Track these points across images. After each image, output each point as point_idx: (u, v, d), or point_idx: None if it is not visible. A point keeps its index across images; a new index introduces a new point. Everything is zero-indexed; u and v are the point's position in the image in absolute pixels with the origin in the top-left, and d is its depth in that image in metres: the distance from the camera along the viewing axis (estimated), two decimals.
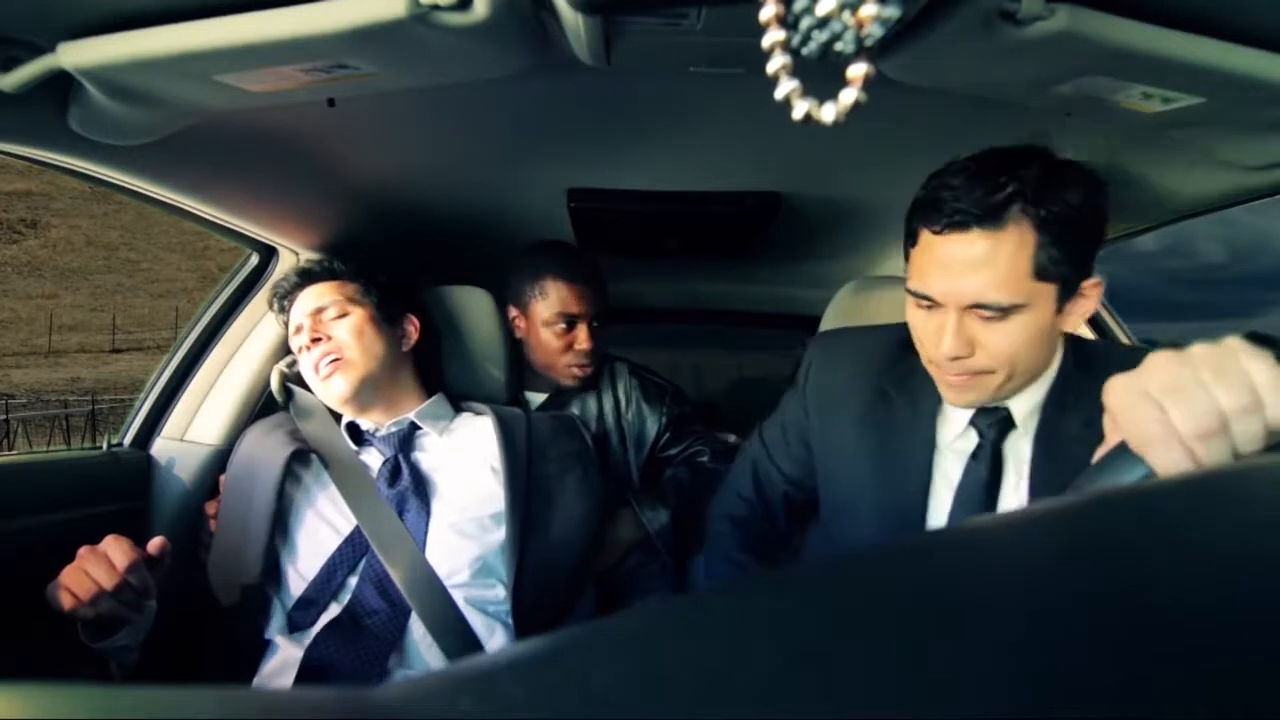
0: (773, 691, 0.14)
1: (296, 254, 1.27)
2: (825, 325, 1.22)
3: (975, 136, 0.98)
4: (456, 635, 0.90)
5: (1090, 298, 0.75)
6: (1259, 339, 0.41)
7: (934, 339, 0.76)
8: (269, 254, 1.28)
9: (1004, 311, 0.71)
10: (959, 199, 0.71)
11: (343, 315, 1.08)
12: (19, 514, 0.95)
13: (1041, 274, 0.70)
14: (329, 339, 1.06)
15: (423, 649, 0.90)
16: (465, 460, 1.05)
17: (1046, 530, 0.21)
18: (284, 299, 1.13)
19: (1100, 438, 0.69)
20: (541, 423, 1.13)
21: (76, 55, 0.60)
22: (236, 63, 0.62)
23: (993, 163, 0.71)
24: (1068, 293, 0.73)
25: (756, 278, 1.76)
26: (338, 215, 1.23)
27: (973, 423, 0.83)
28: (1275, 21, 0.59)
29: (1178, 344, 0.42)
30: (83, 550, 0.77)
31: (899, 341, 0.88)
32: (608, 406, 1.32)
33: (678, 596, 0.20)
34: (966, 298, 0.72)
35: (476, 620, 0.92)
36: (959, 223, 0.71)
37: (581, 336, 1.26)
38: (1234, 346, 0.40)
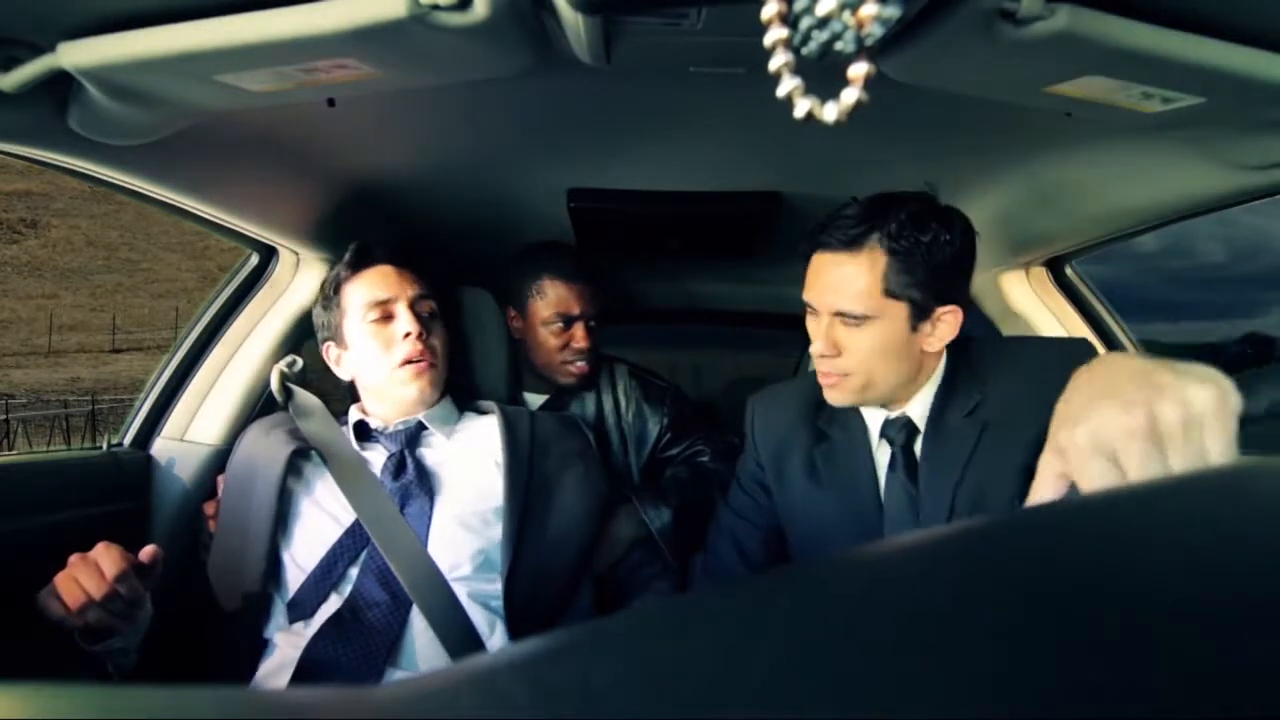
0: (773, 691, 0.14)
1: (296, 254, 1.27)
2: None
3: (975, 136, 0.99)
4: (457, 629, 0.90)
5: (948, 324, 0.89)
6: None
7: (813, 341, 0.92)
8: (269, 254, 1.28)
9: (859, 320, 0.87)
10: (835, 228, 0.88)
11: (434, 318, 1.09)
12: (19, 514, 0.95)
13: (890, 293, 0.86)
14: (432, 336, 1.07)
15: (423, 643, 0.90)
16: (470, 456, 1.05)
17: (1046, 530, 0.21)
18: (360, 265, 1.10)
19: (980, 425, 0.89)
20: (545, 421, 1.14)
21: (76, 55, 0.60)
22: (236, 63, 0.62)
23: (869, 204, 0.88)
24: (920, 314, 0.87)
25: (756, 278, 1.76)
26: (338, 215, 1.23)
27: (882, 433, 0.96)
28: (1275, 21, 0.59)
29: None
30: (73, 558, 0.76)
31: None
32: (608, 407, 1.33)
33: (678, 596, 0.20)
34: (832, 305, 0.89)
35: (478, 614, 0.92)
36: (827, 245, 0.88)
37: (579, 335, 1.27)
38: (1198, 406, 0.39)
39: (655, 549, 1.14)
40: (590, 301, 1.28)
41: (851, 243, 0.87)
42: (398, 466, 1.02)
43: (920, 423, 0.94)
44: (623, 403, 1.34)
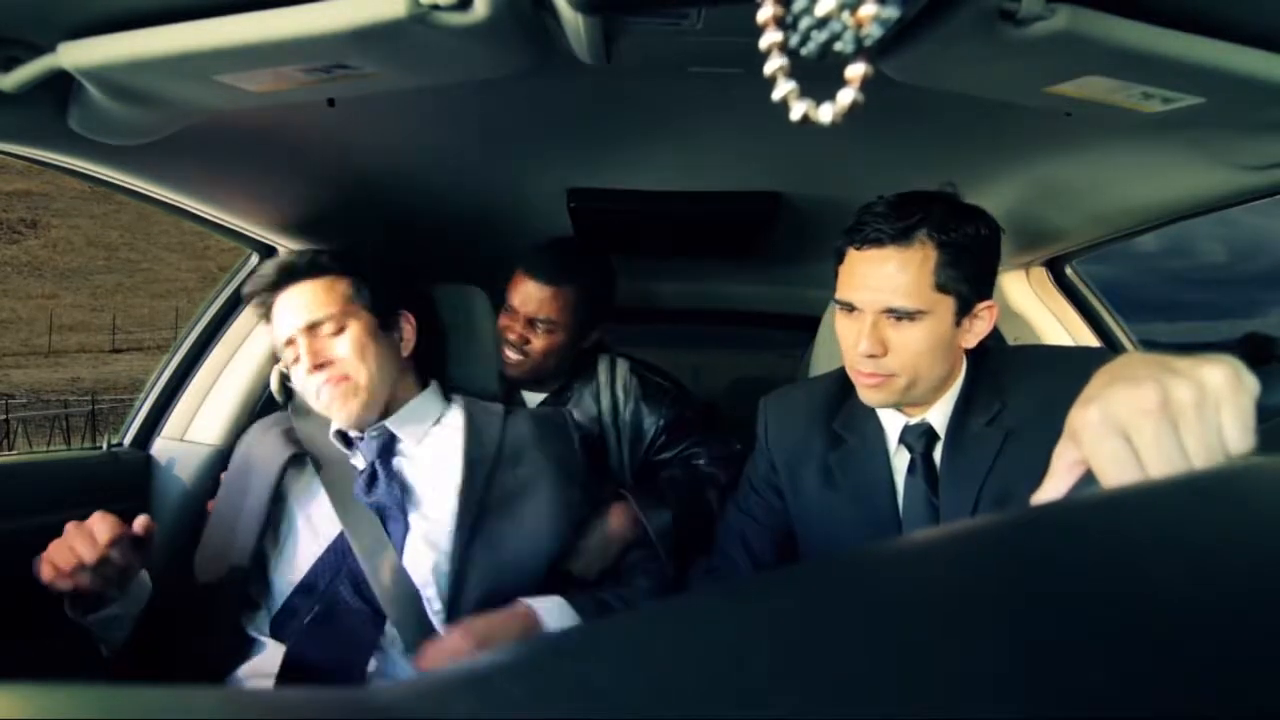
0: (773, 691, 0.15)
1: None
2: (825, 326, 1.22)
3: (975, 136, 0.99)
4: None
5: (984, 319, 0.89)
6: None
7: (854, 341, 0.87)
8: (269, 254, 1.28)
9: (910, 316, 0.84)
10: (878, 223, 0.85)
11: (340, 330, 0.99)
12: (19, 514, 0.95)
13: (941, 288, 0.84)
14: (331, 363, 0.98)
15: (398, 652, 0.89)
16: (439, 468, 1.01)
17: (1046, 530, 0.21)
18: (264, 297, 1.03)
19: (1003, 433, 0.87)
20: (521, 423, 1.06)
21: (76, 55, 0.60)
22: (236, 63, 0.62)
23: (907, 200, 0.86)
24: (964, 309, 0.86)
25: (756, 278, 1.76)
26: (337, 215, 1.23)
27: (901, 439, 0.94)
28: (1275, 21, 0.59)
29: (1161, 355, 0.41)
30: (69, 525, 0.78)
31: (840, 386, 1.00)
32: (605, 404, 1.31)
33: (678, 596, 0.20)
34: (880, 303, 0.85)
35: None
36: (876, 240, 0.85)
37: (514, 327, 1.25)
38: (1217, 391, 0.38)
39: (651, 552, 1.10)
40: (537, 305, 1.24)
41: (900, 236, 0.84)
42: (369, 481, 0.98)
43: (941, 429, 0.92)
44: (621, 399, 1.31)
